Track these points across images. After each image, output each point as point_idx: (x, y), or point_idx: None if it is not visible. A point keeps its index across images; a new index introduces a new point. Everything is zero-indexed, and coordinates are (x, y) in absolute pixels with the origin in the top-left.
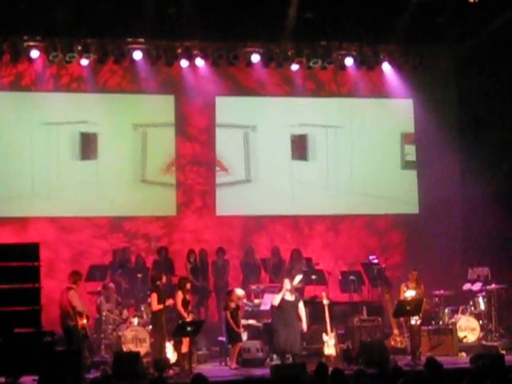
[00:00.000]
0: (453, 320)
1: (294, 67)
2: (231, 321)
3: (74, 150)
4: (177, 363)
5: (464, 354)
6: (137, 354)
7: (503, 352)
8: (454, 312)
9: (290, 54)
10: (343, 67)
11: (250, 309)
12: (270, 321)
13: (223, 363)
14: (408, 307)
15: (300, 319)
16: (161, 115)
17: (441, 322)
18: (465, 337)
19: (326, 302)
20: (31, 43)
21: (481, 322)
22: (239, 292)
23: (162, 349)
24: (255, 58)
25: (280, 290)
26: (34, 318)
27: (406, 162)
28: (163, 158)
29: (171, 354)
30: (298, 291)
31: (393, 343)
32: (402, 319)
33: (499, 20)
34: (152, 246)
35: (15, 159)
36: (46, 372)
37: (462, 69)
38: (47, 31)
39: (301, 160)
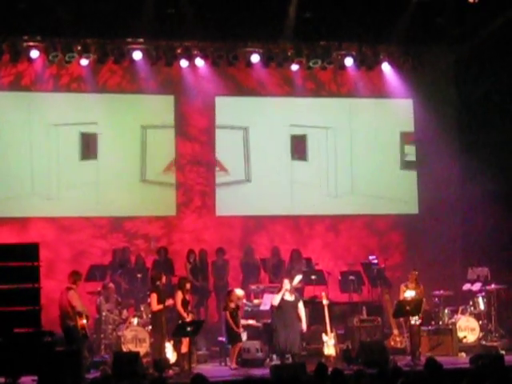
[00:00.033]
0: (452, 320)
1: (294, 67)
2: (231, 321)
3: (74, 150)
4: (176, 363)
5: (464, 355)
6: (136, 354)
7: (503, 352)
8: (454, 312)
9: (289, 54)
10: (343, 67)
11: (249, 309)
12: (269, 321)
13: (223, 363)
14: (408, 307)
15: (300, 319)
16: (161, 115)
17: (440, 322)
18: (464, 337)
19: (325, 302)
20: (31, 43)
21: (480, 322)
22: (239, 292)
23: (162, 349)
24: (255, 58)
25: (280, 290)
26: (34, 318)
27: (406, 162)
28: (163, 158)
29: (171, 354)
30: (298, 291)
31: (392, 343)
32: (401, 319)
33: (499, 20)
34: (152, 246)
35: (15, 159)
36: (45, 372)
37: (462, 69)
38: (47, 31)
39: (301, 160)
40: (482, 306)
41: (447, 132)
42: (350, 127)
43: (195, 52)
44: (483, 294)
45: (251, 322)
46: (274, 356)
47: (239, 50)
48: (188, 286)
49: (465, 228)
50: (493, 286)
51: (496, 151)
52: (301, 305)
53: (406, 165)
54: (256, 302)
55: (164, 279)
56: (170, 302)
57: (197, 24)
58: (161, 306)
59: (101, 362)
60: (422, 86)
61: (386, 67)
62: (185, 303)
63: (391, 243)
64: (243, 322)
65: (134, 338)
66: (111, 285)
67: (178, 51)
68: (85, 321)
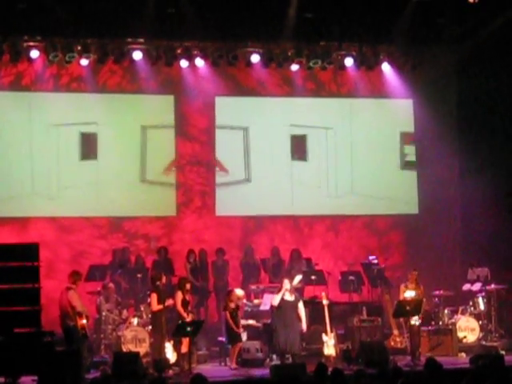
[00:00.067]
0: (452, 320)
1: (294, 67)
2: (231, 321)
3: (74, 150)
4: (176, 363)
5: (464, 355)
6: (136, 354)
7: (503, 352)
8: (454, 312)
9: (289, 54)
10: (343, 67)
11: (249, 309)
12: (269, 321)
13: (223, 363)
14: (408, 307)
15: (300, 319)
16: (161, 115)
17: (440, 323)
18: (464, 337)
19: (325, 302)
20: (31, 43)
21: (480, 322)
22: (239, 292)
23: (162, 349)
24: (255, 58)
25: (280, 290)
26: (34, 318)
27: (406, 162)
28: (163, 158)
29: (171, 354)
30: (298, 291)
31: (392, 343)
32: (401, 319)
33: (499, 20)
34: (152, 246)
35: (15, 159)
36: (45, 372)
37: (462, 69)
38: (47, 31)
39: (300, 160)
40: (481, 306)
41: (447, 132)
42: (350, 127)
43: (195, 52)
44: (483, 294)
45: (251, 322)
46: (274, 356)
47: (239, 50)
48: (188, 286)
49: (465, 228)
50: (493, 286)
51: (496, 151)
52: (301, 305)
53: (406, 165)
54: (256, 302)
55: (164, 279)
56: (169, 302)
57: (197, 24)
58: (161, 306)
59: (101, 362)
60: (422, 86)
61: (386, 67)
62: (185, 303)
63: (391, 243)
64: (243, 322)
65: (134, 338)
66: (111, 285)
67: (178, 51)
68: (85, 321)
